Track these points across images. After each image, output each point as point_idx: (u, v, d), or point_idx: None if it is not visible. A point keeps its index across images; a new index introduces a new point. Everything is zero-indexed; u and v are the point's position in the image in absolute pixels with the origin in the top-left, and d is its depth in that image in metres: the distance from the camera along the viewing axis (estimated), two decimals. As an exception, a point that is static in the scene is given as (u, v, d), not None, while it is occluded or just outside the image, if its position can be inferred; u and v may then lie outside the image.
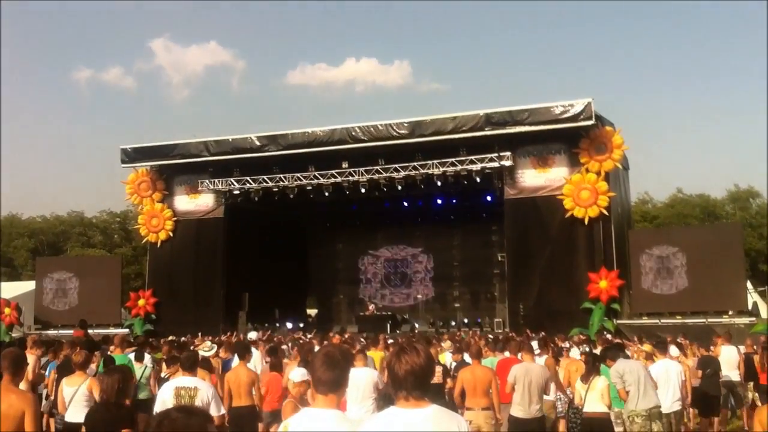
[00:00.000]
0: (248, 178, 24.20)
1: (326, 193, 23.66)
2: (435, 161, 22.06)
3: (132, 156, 25.39)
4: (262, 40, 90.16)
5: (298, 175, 23.59)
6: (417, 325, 26.78)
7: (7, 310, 24.65)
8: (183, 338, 17.49)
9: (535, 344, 11.04)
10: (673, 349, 10.62)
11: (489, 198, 25.19)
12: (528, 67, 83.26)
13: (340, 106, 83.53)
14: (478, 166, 21.63)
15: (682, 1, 71.40)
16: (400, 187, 22.97)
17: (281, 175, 23.80)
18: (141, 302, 25.19)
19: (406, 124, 22.29)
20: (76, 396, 6.98)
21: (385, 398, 7.81)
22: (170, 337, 17.72)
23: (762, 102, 73.75)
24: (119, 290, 25.70)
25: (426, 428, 2.96)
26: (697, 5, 73.79)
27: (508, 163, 21.55)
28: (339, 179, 23.17)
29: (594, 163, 21.07)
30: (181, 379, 6.53)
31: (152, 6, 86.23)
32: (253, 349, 10.75)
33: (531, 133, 21.19)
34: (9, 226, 50.68)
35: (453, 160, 21.90)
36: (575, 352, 11.78)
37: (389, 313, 26.96)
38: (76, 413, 6.97)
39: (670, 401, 8.64)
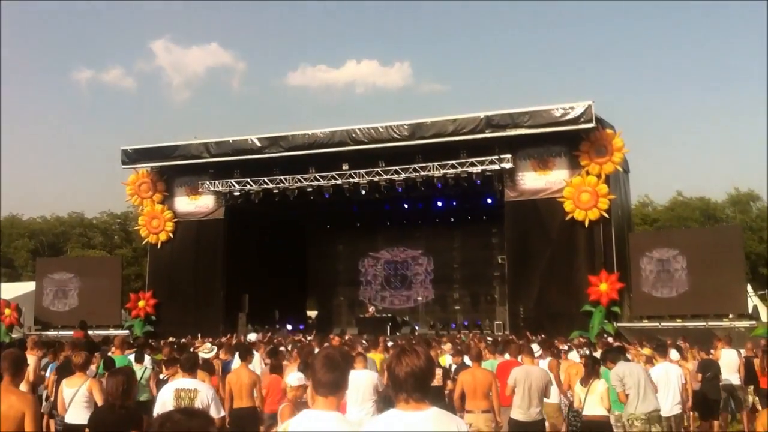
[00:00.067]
0: (249, 180, 24.21)
1: (326, 195, 23.67)
2: (435, 163, 22.08)
3: (132, 157, 25.41)
4: (262, 41, 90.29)
5: (299, 176, 23.61)
6: (417, 328, 26.79)
7: (7, 311, 24.66)
8: (183, 340, 17.49)
9: (535, 347, 11.03)
10: (674, 353, 10.61)
11: (489, 200, 25.21)
12: (528, 69, 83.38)
13: (340, 108, 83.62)
14: (478, 169, 21.65)
15: (682, 1, 71.47)
16: (400, 189, 23.00)
17: (282, 177, 23.82)
18: (141, 303, 25.20)
19: (406, 126, 22.31)
20: (76, 397, 6.97)
21: (385, 400, 7.80)
22: (170, 339, 17.72)
23: (762, 104, 73.87)
24: (119, 291, 25.71)
25: (426, 430, 2.96)
26: (697, 7, 73.92)
27: (508, 165, 21.56)
28: (339, 181, 23.19)
29: (594, 165, 21.08)
30: (181, 381, 6.53)
31: (153, 7, 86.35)
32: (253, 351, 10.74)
33: (531, 136, 21.22)
34: (9, 227, 50.71)
35: (453, 162, 21.92)
36: (574, 355, 11.76)
37: (389, 315, 26.99)
38: (76, 414, 6.96)
39: (670, 404, 8.63)
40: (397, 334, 23.54)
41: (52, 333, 22.49)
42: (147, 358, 10.05)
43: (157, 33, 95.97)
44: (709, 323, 18.78)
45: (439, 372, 10.02)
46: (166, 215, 25.72)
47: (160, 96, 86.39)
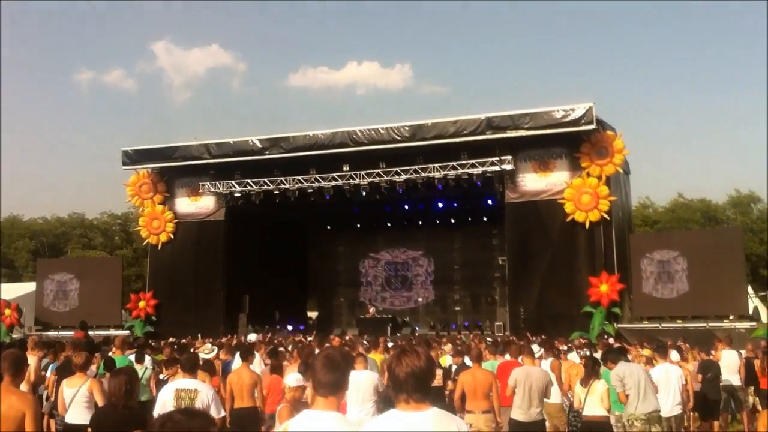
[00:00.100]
0: (249, 181, 24.23)
1: (327, 196, 23.67)
2: (436, 164, 22.09)
3: (133, 158, 25.42)
4: (263, 42, 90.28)
5: (299, 177, 23.63)
6: (417, 328, 26.80)
7: (7, 312, 24.67)
8: (183, 340, 17.50)
9: (535, 347, 11.03)
10: (674, 354, 10.62)
11: (490, 201, 25.21)
12: (529, 71, 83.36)
13: (341, 109, 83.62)
14: (479, 170, 21.66)
15: (683, 2, 71.50)
16: (401, 190, 23.01)
17: (282, 178, 23.83)
18: (141, 304, 25.21)
19: (407, 128, 22.32)
20: (77, 397, 6.98)
21: (385, 401, 7.80)
22: (170, 339, 17.72)
23: (763, 106, 73.86)
24: (120, 292, 25.72)
25: (426, 430, 2.97)
26: (698, 9, 73.92)
27: (509, 166, 21.57)
28: (340, 182, 23.20)
29: (595, 167, 21.08)
30: (182, 381, 6.53)
31: (153, 8, 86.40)
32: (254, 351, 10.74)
33: (532, 137, 21.22)
34: (10, 228, 50.73)
35: (454, 163, 21.92)
36: (573, 356, 11.77)
37: (389, 315, 26.99)
38: (76, 414, 6.97)
39: (670, 405, 8.64)
40: (398, 334, 23.55)
41: (52, 333, 22.51)
42: (147, 359, 10.06)
43: (158, 34, 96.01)
44: (710, 324, 18.79)
45: (439, 372, 10.03)
46: (166, 216, 25.74)
47: (160, 97, 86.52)
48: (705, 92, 75.24)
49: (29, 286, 28.65)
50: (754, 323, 19.09)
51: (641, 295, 20.85)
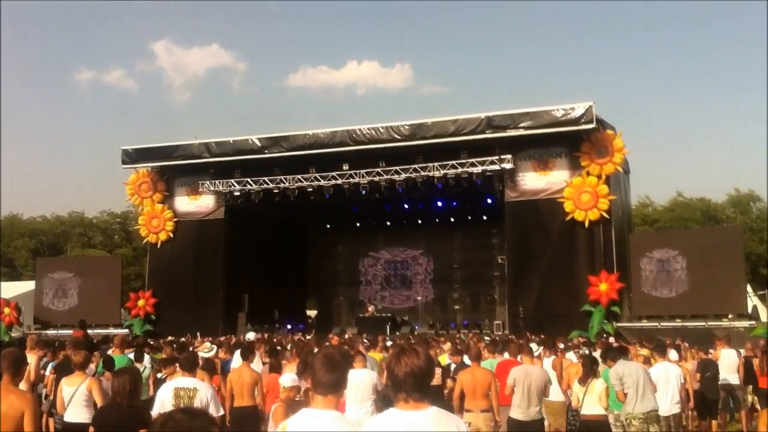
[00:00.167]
0: (249, 180, 24.21)
1: (327, 195, 23.66)
2: (436, 164, 22.08)
3: (133, 157, 25.40)
4: (263, 42, 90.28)
5: (299, 176, 23.61)
6: (417, 327, 26.79)
7: (6, 310, 24.67)
8: (182, 339, 17.50)
9: (534, 346, 11.03)
10: (672, 353, 10.63)
11: (489, 200, 25.20)
12: (529, 70, 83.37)
13: (341, 109, 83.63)
14: (478, 169, 21.65)
15: (683, 2, 71.46)
16: (400, 189, 22.99)
17: (282, 177, 23.82)
18: (141, 303, 25.20)
19: (407, 127, 22.31)
20: (76, 396, 6.98)
21: (384, 400, 7.81)
22: (169, 338, 17.72)
23: (762, 105, 73.85)
24: (119, 291, 25.71)
25: (425, 429, 2.97)
26: (698, 8, 73.87)
27: (508, 165, 21.57)
28: (340, 181, 23.18)
29: (595, 166, 21.08)
30: (181, 380, 6.53)
31: (154, 8, 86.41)
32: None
33: (532, 136, 21.21)
34: (9, 226, 50.74)
35: (454, 162, 21.91)
36: (571, 356, 11.77)
37: (389, 314, 26.97)
38: (75, 413, 6.98)
39: (669, 404, 8.65)
40: (397, 333, 23.54)
41: (51, 332, 22.50)
42: (146, 358, 10.06)
43: (158, 34, 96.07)
44: (709, 323, 18.80)
45: (438, 371, 10.03)
46: (166, 215, 25.72)
47: (160, 97, 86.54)
48: (705, 91, 75.35)
49: (29, 285, 28.66)
50: (753, 322, 19.10)
51: (640, 294, 20.86)
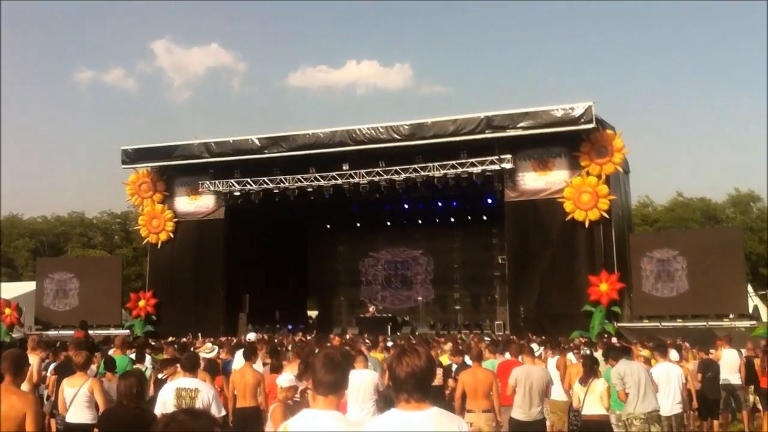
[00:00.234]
0: (249, 180, 24.22)
1: (327, 195, 23.67)
2: (436, 163, 22.08)
3: (133, 157, 25.40)
4: (263, 42, 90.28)
5: (299, 176, 23.62)
6: (417, 328, 26.80)
7: (7, 311, 24.66)
8: (183, 339, 17.50)
9: (534, 346, 11.04)
10: (673, 353, 10.63)
11: (489, 200, 25.21)
12: (529, 70, 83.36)
13: (341, 109, 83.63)
14: (478, 169, 21.65)
15: (683, 2, 71.45)
16: (400, 189, 23.00)
17: (282, 177, 23.83)
18: (141, 303, 25.20)
19: (406, 127, 22.31)
20: (77, 397, 6.98)
21: (385, 400, 7.80)
22: (170, 338, 17.72)
23: (763, 105, 73.85)
24: (120, 291, 25.72)
25: (427, 430, 2.97)
26: (698, 9, 73.87)
27: (508, 165, 21.57)
28: (340, 181, 23.19)
29: (595, 166, 21.08)
30: (182, 380, 6.53)
31: (154, 8, 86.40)
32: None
33: (532, 136, 21.23)
34: (10, 227, 50.73)
35: (453, 162, 21.92)
36: (570, 357, 11.77)
37: (389, 315, 26.98)
38: (77, 414, 6.98)
39: (670, 404, 8.64)
40: (398, 334, 23.55)
41: (52, 333, 22.51)
42: (147, 358, 10.06)
43: (158, 34, 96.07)
44: (710, 323, 18.81)
45: (439, 371, 10.03)
46: (166, 215, 25.73)
47: (160, 96, 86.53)
48: (704, 91, 75.34)
49: (29, 286, 28.65)
50: (754, 322, 19.11)
51: (641, 294, 20.87)
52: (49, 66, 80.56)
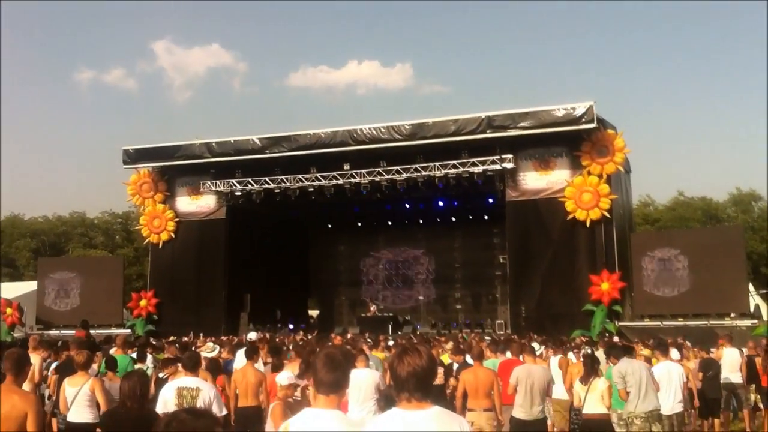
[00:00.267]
0: (250, 180, 24.23)
1: (328, 195, 23.68)
2: (437, 163, 22.09)
3: (134, 157, 25.42)
4: (264, 42, 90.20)
5: (300, 176, 23.62)
6: (419, 327, 26.81)
7: (9, 311, 24.69)
8: (185, 338, 17.51)
9: (535, 344, 11.04)
10: (674, 352, 10.63)
11: (490, 200, 25.21)
12: (530, 70, 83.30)
13: (341, 109, 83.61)
14: (479, 169, 21.66)
15: (683, 2, 71.42)
16: (401, 189, 23.00)
17: (283, 177, 23.83)
18: (143, 303, 25.22)
19: (407, 127, 22.32)
20: (79, 396, 6.99)
21: (386, 399, 7.80)
22: (171, 338, 17.73)
23: (764, 104, 73.80)
24: (121, 291, 25.76)
25: (428, 429, 2.97)
26: (698, 9, 73.81)
27: (509, 165, 21.57)
28: (341, 181, 23.20)
29: (596, 165, 21.08)
30: (183, 380, 6.53)
31: (154, 8, 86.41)
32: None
33: (533, 136, 21.22)
34: (11, 227, 50.76)
35: (454, 162, 21.92)
36: (570, 356, 11.78)
37: (391, 314, 26.99)
38: (78, 413, 6.98)
39: (671, 403, 8.64)
40: (399, 333, 23.56)
41: (54, 332, 22.54)
42: (149, 358, 10.07)
43: (159, 34, 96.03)
44: (711, 322, 18.82)
45: (440, 371, 10.04)
46: (167, 215, 25.74)
47: (161, 96, 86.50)
48: (705, 90, 75.29)
49: (30, 285, 28.69)
50: (755, 321, 19.11)
51: (642, 293, 20.87)
52: (49, 66, 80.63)
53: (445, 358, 11.50)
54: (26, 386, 6.12)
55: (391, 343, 13.61)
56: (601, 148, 21.12)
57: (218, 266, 25.05)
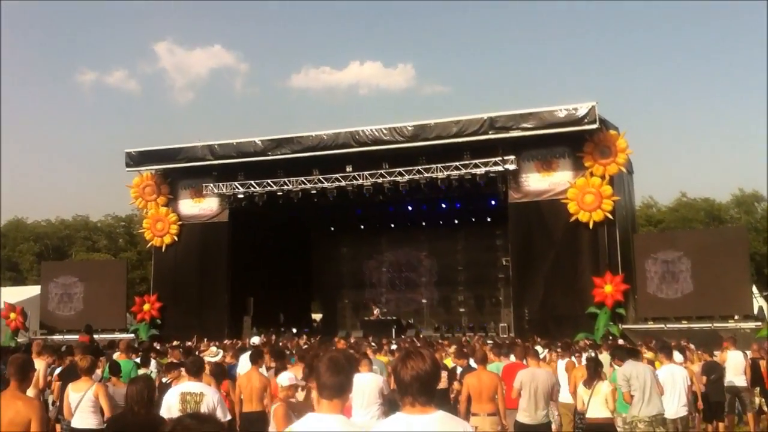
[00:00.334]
0: (253, 182, 24.23)
1: (330, 197, 23.68)
2: (439, 165, 22.08)
3: (137, 159, 25.44)
4: (266, 43, 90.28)
5: (303, 178, 23.63)
6: (422, 330, 26.77)
7: (12, 315, 24.69)
8: (188, 342, 17.50)
9: (539, 348, 11.01)
10: (677, 355, 10.60)
11: (493, 202, 25.19)
12: (532, 71, 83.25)
13: (343, 110, 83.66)
14: (482, 170, 21.65)
15: (683, 2, 71.38)
16: (404, 191, 23.00)
17: (285, 179, 23.84)
18: (146, 307, 25.22)
19: (410, 128, 22.32)
20: (83, 402, 6.98)
21: (390, 404, 7.79)
22: (174, 342, 17.73)
23: (763, 105, 73.67)
24: (124, 295, 25.74)
25: (432, 434, 2.97)
26: (699, 9, 73.77)
27: (512, 166, 21.56)
28: (343, 183, 23.21)
29: (598, 166, 21.05)
30: (187, 385, 6.53)
31: (156, 9, 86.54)
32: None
33: (535, 137, 21.21)
34: (14, 231, 50.81)
35: (457, 163, 21.91)
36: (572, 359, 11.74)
37: (394, 317, 26.96)
38: (82, 419, 6.98)
39: (676, 406, 8.61)
40: (402, 336, 23.53)
41: (57, 337, 22.55)
42: (152, 362, 10.06)
43: (160, 35, 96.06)
44: (715, 324, 18.75)
45: (444, 374, 10.02)
46: (170, 218, 25.74)
47: (163, 98, 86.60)
48: (708, 91, 75.21)
49: (34, 290, 28.69)
50: (759, 323, 19.02)
51: (645, 295, 20.81)
52: (51, 67, 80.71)
53: (449, 362, 11.48)
54: (30, 392, 6.12)
55: (394, 346, 13.60)
56: (603, 149, 21.09)
57: (221, 269, 25.03)
